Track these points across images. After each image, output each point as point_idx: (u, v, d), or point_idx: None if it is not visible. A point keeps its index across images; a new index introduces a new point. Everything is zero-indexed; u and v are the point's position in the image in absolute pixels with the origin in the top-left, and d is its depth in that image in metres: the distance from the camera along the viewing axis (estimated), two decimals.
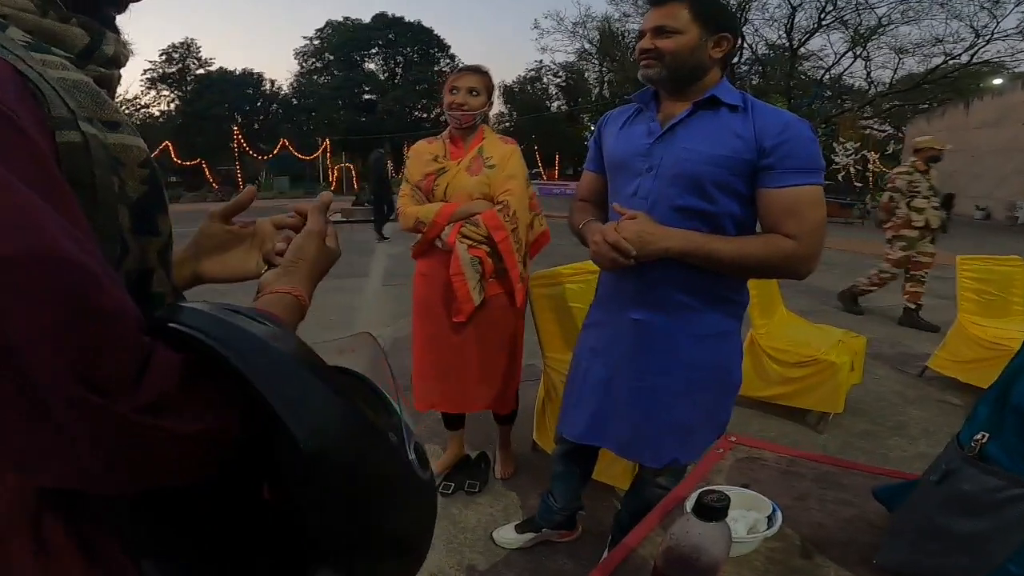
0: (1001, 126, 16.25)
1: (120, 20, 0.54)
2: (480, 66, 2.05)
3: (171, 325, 0.40)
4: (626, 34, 26.01)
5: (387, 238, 9.36)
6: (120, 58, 0.50)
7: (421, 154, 2.07)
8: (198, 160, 23.74)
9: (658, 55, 1.27)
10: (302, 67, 36.39)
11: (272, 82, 35.96)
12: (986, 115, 16.88)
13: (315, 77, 35.87)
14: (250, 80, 34.48)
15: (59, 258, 0.33)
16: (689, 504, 0.79)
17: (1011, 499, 0.61)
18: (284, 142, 25.45)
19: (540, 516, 1.88)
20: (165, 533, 0.46)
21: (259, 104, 35.30)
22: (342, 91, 34.38)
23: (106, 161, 0.42)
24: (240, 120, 31.93)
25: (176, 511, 0.45)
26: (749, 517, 0.77)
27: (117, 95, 0.55)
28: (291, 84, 36.12)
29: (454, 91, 1.97)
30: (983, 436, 0.64)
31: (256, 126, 33.63)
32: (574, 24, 30.42)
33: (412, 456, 0.50)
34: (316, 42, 36.16)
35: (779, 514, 0.78)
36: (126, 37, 0.55)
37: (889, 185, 4.87)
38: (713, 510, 0.57)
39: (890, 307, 5.48)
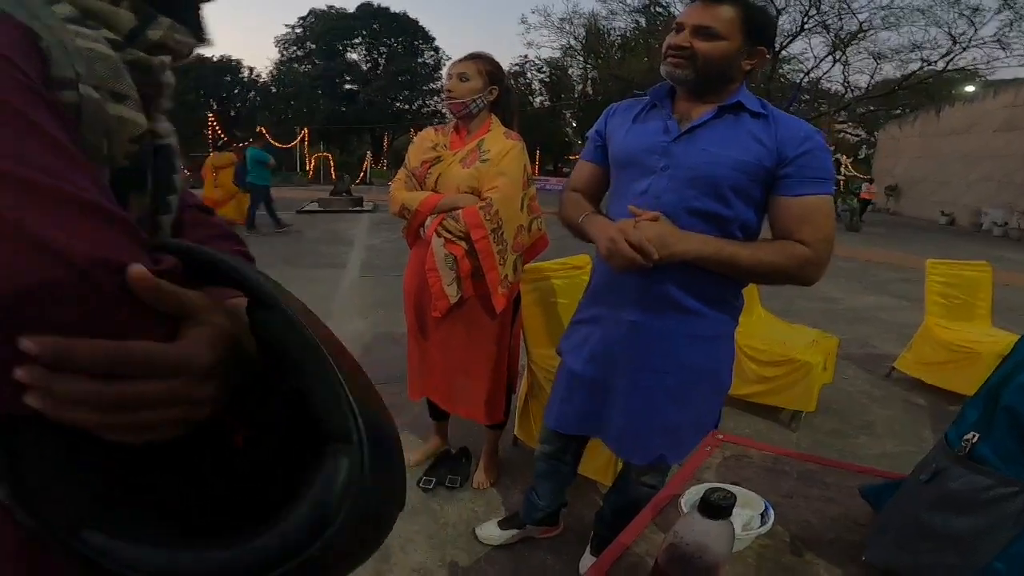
0: (971, 133, 16.67)
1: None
2: (478, 52, 1.95)
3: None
4: (612, 32, 26.11)
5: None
6: (171, 44, 0.50)
7: (423, 141, 2.03)
8: None
9: (691, 55, 1.22)
10: (283, 55, 35.73)
11: (251, 70, 35.25)
12: (957, 122, 17.27)
13: (296, 66, 35.20)
14: (228, 67, 33.69)
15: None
16: (684, 501, 0.80)
17: (1000, 498, 0.63)
18: (261, 130, 24.93)
19: (524, 513, 1.88)
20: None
21: (236, 92, 34.53)
22: (323, 80, 33.78)
23: (98, 126, 0.43)
24: (216, 107, 31.20)
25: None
26: (743, 514, 0.78)
27: None
28: (271, 72, 35.45)
29: (448, 78, 1.93)
30: (973, 436, 0.66)
31: (233, 113, 32.90)
32: (561, 20, 30.42)
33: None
34: (298, 31, 35.52)
35: (771, 511, 0.79)
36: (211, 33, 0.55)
37: None
38: (719, 508, 0.57)
39: (858, 308, 5.62)
